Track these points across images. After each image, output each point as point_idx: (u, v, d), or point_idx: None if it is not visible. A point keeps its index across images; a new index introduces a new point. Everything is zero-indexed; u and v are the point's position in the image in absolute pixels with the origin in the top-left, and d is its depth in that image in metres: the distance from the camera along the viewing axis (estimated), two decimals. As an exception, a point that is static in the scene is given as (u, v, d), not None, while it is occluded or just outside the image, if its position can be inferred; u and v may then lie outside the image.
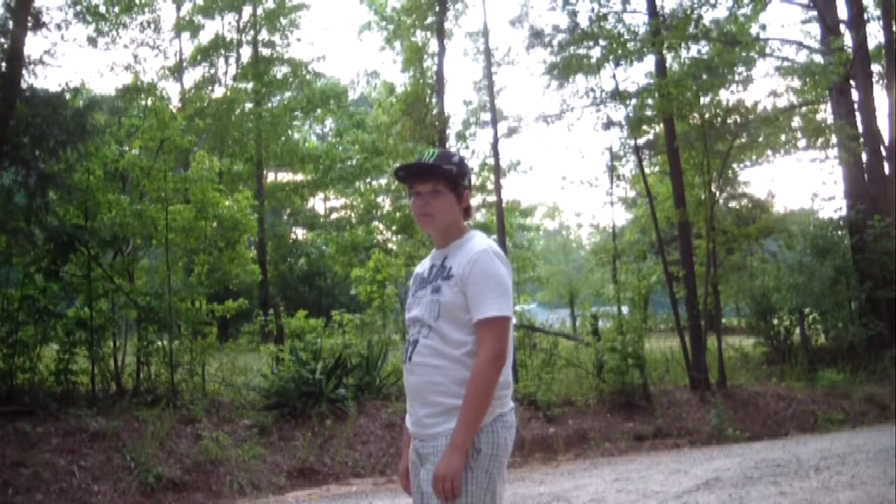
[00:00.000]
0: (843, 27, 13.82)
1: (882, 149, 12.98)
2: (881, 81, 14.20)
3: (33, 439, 6.29)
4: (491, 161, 14.84)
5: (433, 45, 11.79)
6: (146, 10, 19.84)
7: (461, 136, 15.61)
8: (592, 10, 11.54)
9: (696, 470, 6.70)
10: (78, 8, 17.88)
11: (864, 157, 13.16)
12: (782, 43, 14.61)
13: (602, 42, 11.62)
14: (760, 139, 11.09)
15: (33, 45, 24.77)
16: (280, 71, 23.21)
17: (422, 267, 2.52)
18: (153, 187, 8.44)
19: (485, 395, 2.22)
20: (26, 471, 5.87)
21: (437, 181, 2.39)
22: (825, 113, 15.34)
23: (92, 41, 18.75)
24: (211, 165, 9.09)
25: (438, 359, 2.29)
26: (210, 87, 23.30)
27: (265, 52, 22.83)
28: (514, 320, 2.39)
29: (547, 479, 6.72)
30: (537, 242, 32.99)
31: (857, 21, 13.39)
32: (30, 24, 7.62)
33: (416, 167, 2.49)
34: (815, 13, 14.63)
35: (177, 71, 22.95)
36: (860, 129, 13.00)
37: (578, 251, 31.38)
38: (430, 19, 11.69)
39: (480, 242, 2.37)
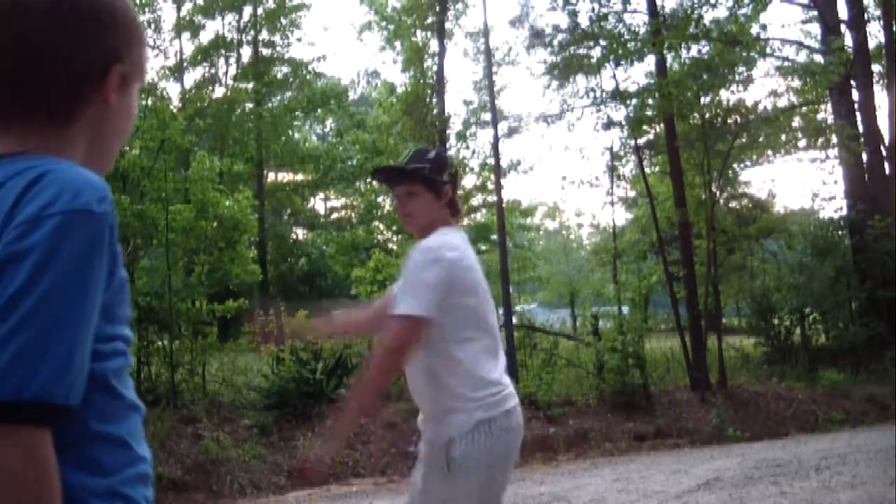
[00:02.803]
0: (843, 27, 13.80)
1: (882, 149, 12.97)
2: (881, 81, 14.19)
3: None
4: (491, 161, 14.84)
5: (433, 45, 11.79)
6: (146, 10, 19.83)
7: (461, 136, 15.64)
8: (592, 10, 11.55)
9: (697, 470, 6.70)
10: (78, 8, 17.84)
11: (864, 157, 13.15)
12: (782, 43, 14.61)
13: (602, 42, 11.63)
14: (761, 139, 11.09)
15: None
16: (280, 71, 23.18)
17: None
18: (153, 187, 8.44)
19: (367, 387, 2.17)
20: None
21: (412, 182, 2.37)
22: (825, 113, 15.35)
23: (92, 41, 18.69)
24: (211, 165, 9.09)
25: (413, 367, 2.28)
26: (210, 87, 23.28)
27: (265, 52, 22.80)
28: (424, 318, 2.17)
29: (547, 479, 6.73)
30: (538, 242, 32.96)
31: (858, 21, 13.38)
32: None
33: (385, 171, 2.54)
34: (815, 13, 14.62)
35: (177, 71, 22.95)
36: (860, 129, 12.99)
37: (579, 251, 31.37)
38: (430, 19, 11.68)
39: (428, 239, 2.30)
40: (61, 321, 0.86)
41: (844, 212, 13.73)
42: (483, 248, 23.40)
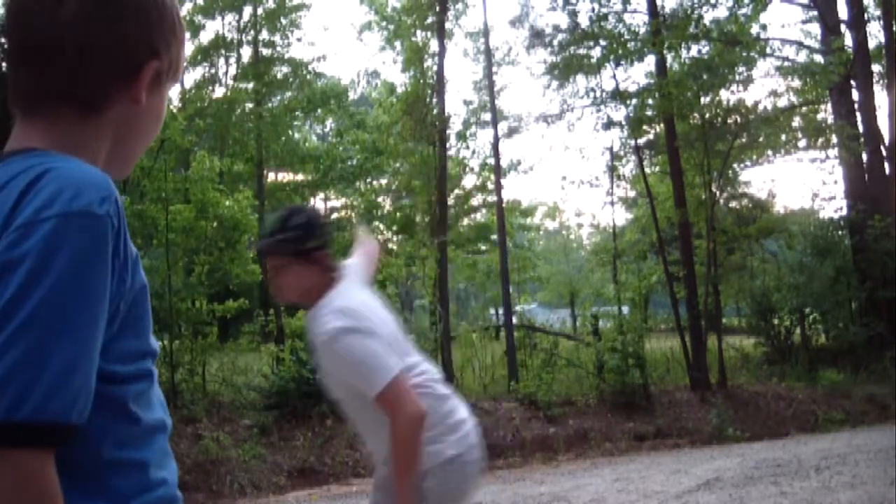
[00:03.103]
0: (843, 27, 13.80)
1: (882, 149, 12.97)
2: (881, 81, 14.19)
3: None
4: (491, 161, 14.82)
5: (433, 45, 11.77)
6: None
7: (461, 136, 15.61)
8: (592, 10, 11.55)
9: (697, 470, 6.70)
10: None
11: (864, 157, 13.16)
12: (782, 43, 14.60)
13: (602, 42, 11.63)
14: (761, 139, 11.10)
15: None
16: (280, 71, 23.19)
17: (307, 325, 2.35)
18: (153, 187, 8.44)
19: (407, 454, 2.06)
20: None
21: (277, 256, 2.26)
22: (825, 113, 15.35)
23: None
24: (211, 165, 9.10)
25: (365, 422, 2.24)
26: (210, 87, 23.29)
27: (265, 52, 22.80)
28: (404, 367, 2.11)
29: (547, 479, 6.73)
30: (538, 242, 32.95)
31: (858, 21, 13.38)
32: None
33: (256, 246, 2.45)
34: (815, 13, 14.62)
35: (177, 71, 22.93)
36: (860, 129, 12.99)
37: (579, 251, 31.35)
38: (430, 19, 11.66)
39: (329, 317, 2.13)
40: (59, 333, 0.79)
41: (844, 212, 13.73)
42: (483, 248, 23.43)
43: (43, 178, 0.85)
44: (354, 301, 2.19)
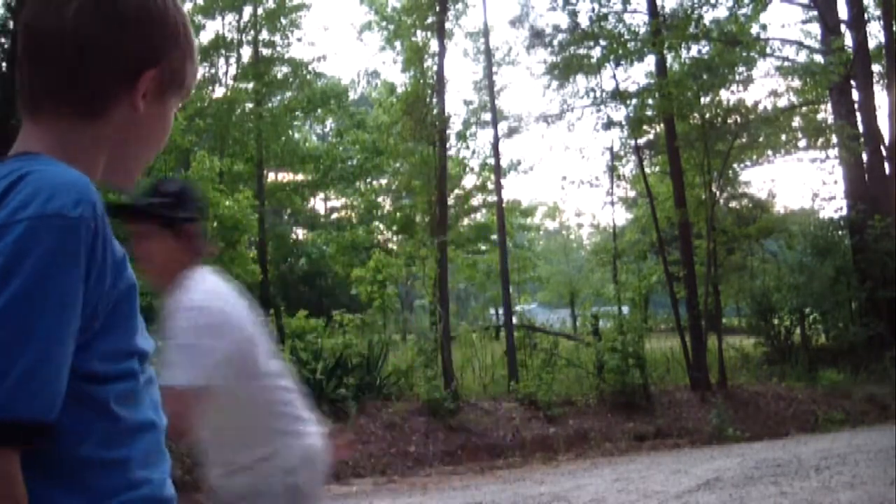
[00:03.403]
0: (843, 27, 13.81)
1: (882, 149, 12.97)
2: (881, 81, 14.18)
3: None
4: (491, 161, 14.82)
5: (433, 45, 11.77)
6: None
7: (461, 136, 15.62)
8: (593, 10, 11.57)
9: (697, 470, 6.70)
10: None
11: (864, 157, 13.16)
12: (782, 43, 14.60)
13: (602, 42, 11.64)
14: (761, 139, 11.11)
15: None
16: (280, 71, 23.19)
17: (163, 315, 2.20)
18: (154, 187, 8.45)
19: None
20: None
21: (144, 220, 2.10)
22: (825, 113, 15.35)
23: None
24: (211, 165, 9.10)
25: (223, 420, 2.10)
26: (210, 87, 23.27)
27: (265, 52, 22.80)
28: (202, 387, 1.90)
29: (547, 479, 6.73)
30: (538, 242, 32.95)
31: (858, 21, 13.38)
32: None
33: (116, 208, 2.35)
34: (815, 13, 14.62)
35: (177, 71, 22.90)
36: (860, 129, 12.99)
37: (579, 251, 31.36)
38: (430, 19, 11.66)
39: (192, 293, 2.03)
40: (27, 333, 0.80)
41: (844, 212, 13.74)
42: (483, 248, 23.43)
43: (22, 181, 0.86)
44: (222, 289, 2.10)
